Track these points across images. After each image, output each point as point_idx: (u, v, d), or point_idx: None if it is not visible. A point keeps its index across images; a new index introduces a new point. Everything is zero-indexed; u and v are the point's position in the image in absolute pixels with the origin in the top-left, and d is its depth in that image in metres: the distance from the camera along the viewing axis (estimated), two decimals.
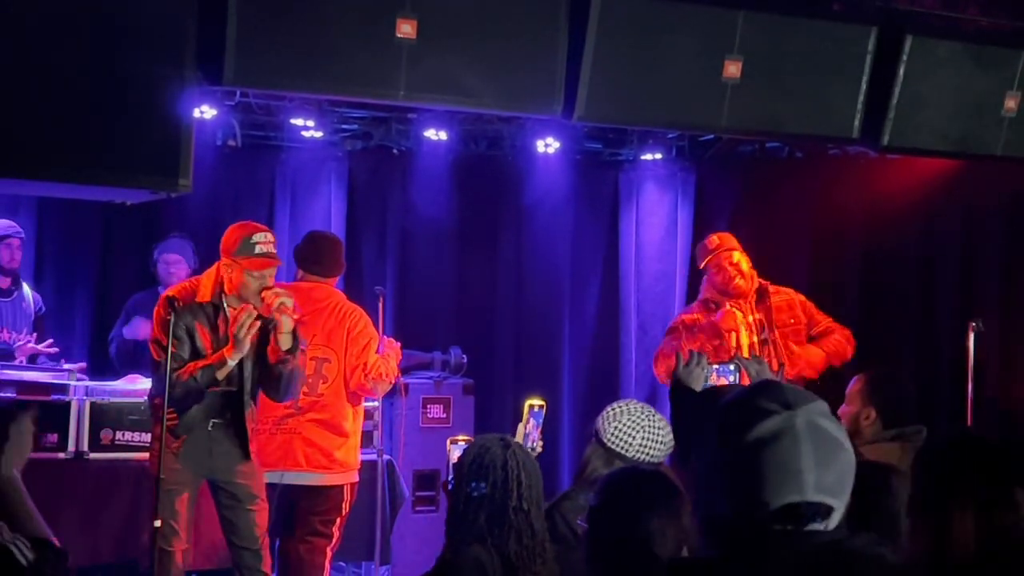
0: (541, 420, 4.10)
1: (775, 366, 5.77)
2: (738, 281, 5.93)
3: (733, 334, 5.84)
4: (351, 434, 5.39)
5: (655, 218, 7.95)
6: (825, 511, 1.66)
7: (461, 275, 7.72)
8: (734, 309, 5.87)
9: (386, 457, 5.90)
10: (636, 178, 7.99)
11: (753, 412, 1.67)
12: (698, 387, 3.13)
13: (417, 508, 6.34)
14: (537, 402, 4.11)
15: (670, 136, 7.61)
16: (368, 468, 5.97)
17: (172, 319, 4.64)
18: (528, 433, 4.04)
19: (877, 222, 7.32)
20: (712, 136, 7.37)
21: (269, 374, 4.87)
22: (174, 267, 6.50)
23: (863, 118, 5.41)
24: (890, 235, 7.33)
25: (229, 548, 5.03)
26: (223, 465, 4.92)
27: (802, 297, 6.10)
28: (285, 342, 4.77)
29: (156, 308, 4.82)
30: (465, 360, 6.51)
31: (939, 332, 7.17)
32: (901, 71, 5.32)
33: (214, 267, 4.86)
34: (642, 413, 3.66)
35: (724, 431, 1.70)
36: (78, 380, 5.78)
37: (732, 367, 3.42)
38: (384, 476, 5.83)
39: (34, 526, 2.58)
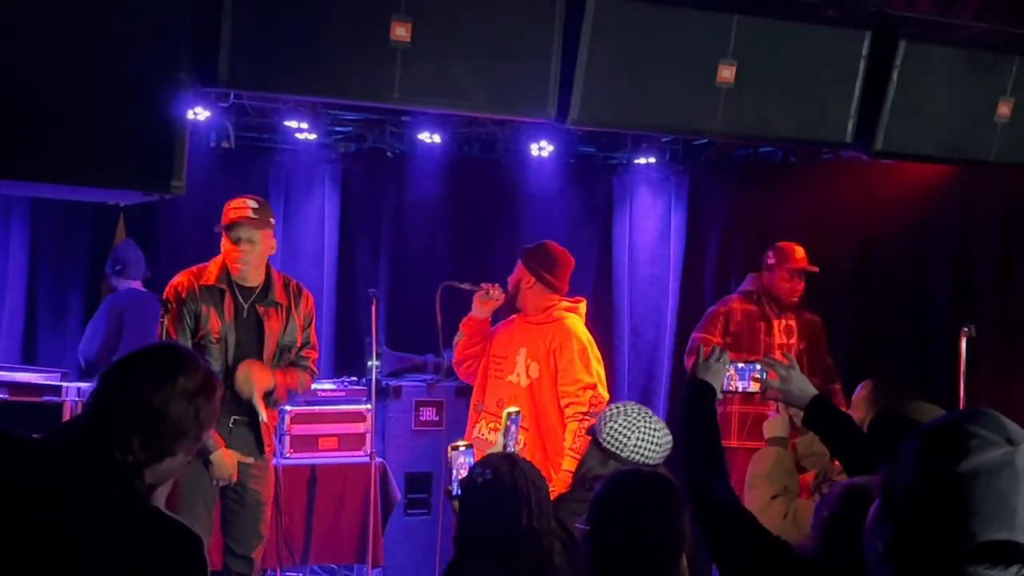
0: (519, 423, 4.19)
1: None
2: (795, 299, 6.39)
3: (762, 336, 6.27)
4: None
5: (649, 222, 7.96)
6: None
7: (455, 277, 7.71)
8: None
9: (378, 460, 5.89)
10: (630, 182, 7.99)
11: (970, 440, 1.60)
12: (717, 384, 3.08)
13: (409, 511, 6.33)
14: (513, 409, 4.21)
15: (664, 140, 7.61)
16: (360, 470, 5.97)
17: (173, 307, 4.83)
18: (507, 440, 4.10)
19: (870, 227, 7.33)
20: (706, 140, 7.38)
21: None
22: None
23: (856, 123, 5.41)
24: (883, 240, 7.34)
25: (224, 551, 5.01)
26: (238, 464, 4.91)
27: (821, 323, 6.55)
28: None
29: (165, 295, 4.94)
30: None
31: (932, 337, 7.18)
32: (895, 76, 5.32)
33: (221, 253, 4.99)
34: (639, 414, 3.66)
35: (930, 456, 1.62)
36: (70, 381, 5.77)
37: (759, 367, 3.38)
38: (376, 479, 5.83)
39: None
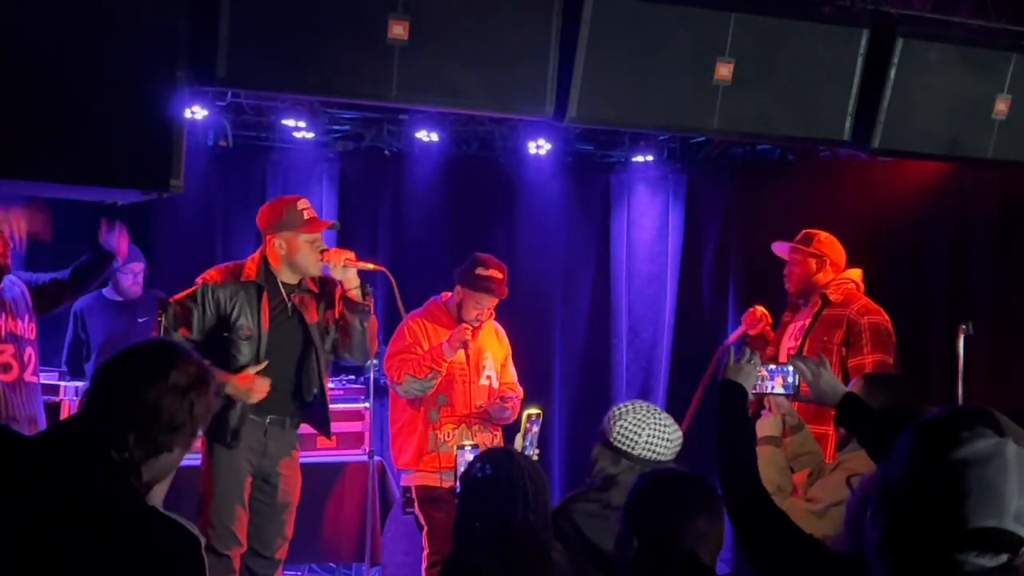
0: (538, 427, 4.14)
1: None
2: (791, 290, 5.85)
3: (771, 336, 5.82)
4: None
5: (646, 220, 7.96)
6: (1019, 542, 1.61)
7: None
8: (758, 308, 5.87)
9: (376, 458, 5.90)
10: (627, 180, 7.99)
11: (961, 432, 1.63)
12: (749, 385, 3.08)
13: (407, 509, 6.32)
14: (535, 411, 4.16)
15: (661, 138, 7.62)
16: (358, 469, 5.97)
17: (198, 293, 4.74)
18: (527, 443, 4.07)
19: (868, 225, 7.32)
20: (703, 138, 7.38)
21: (342, 334, 4.92)
22: (141, 276, 6.52)
23: (854, 121, 5.42)
24: (881, 238, 7.33)
25: (247, 551, 4.96)
26: (269, 465, 4.89)
27: (865, 321, 5.54)
28: (358, 296, 4.87)
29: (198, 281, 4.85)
30: None
31: (929, 334, 7.18)
32: (892, 74, 5.33)
33: (259, 251, 4.91)
34: (647, 412, 3.65)
35: (924, 448, 1.65)
36: (68, 380, 5.77)
37: (790, 368, 3.38)
38: (374, 477, 5.83)
39: None
